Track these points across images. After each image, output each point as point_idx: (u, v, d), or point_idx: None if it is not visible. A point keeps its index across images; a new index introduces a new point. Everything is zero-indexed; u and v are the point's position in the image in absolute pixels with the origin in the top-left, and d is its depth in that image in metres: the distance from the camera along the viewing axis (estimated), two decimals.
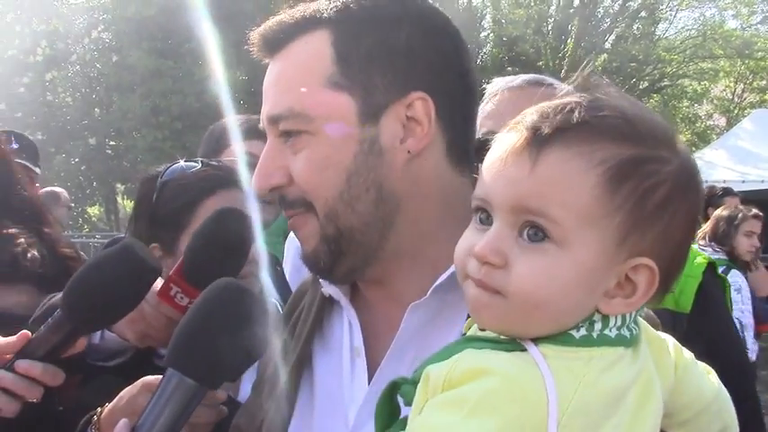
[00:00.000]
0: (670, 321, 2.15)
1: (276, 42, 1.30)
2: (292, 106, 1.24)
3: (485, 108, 2.21)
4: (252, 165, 3.09)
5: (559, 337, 0.95)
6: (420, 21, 1.28)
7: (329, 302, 1.42)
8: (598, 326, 0.96)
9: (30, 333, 1.49)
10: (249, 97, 24.58)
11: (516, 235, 0.96)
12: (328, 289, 1.36)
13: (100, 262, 1.47)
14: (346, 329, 1.36)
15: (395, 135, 1.23)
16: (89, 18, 24.82)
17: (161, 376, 1.24)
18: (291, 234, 3.62)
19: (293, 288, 2.07)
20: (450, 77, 1.28)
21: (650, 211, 0.94)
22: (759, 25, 30.84)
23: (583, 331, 0.95)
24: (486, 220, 1.00)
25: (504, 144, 0.98)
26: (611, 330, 0.97)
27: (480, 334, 1.02)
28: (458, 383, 0.92)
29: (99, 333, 1.75)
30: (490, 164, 1.00)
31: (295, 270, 3.62)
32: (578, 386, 0.90)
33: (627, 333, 0.98)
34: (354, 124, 1.23)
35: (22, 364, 1.46)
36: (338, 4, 1.27)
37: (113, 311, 1.48)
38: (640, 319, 1.05)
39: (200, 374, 1.22)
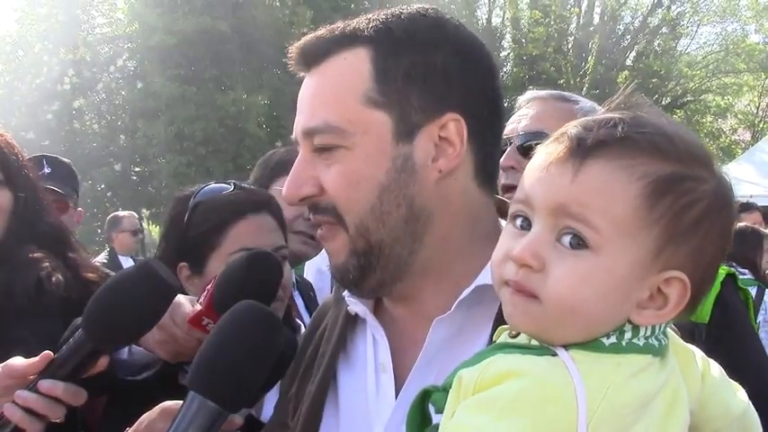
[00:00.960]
0: (689, 332, 2.11)
1: (314, 56, 1.32)
2: (329, 120, 1.26)
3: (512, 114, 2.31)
4: None
5: (590, 344, 0.97)
6: (457, 44, 1.31)
7: (353, 320, 1.44)
8: (628, 335, 0.98)
9: (52, 354, 1.51)
10: (271, 120, 24.84)
11: (555, 240, 0.99)
12: (355, 307, 1.37)
13: (119, 281, 1.50)
14: (370, 346, 1.38)
15: (427, 154, 1.26)
16: (114, 47, 25.25)
17: (180, 402, 1.24)
18: (310, 261, 3.64)
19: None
20: (482, 100, 1.31)
21: (686, 227, 0.97)
22: None
23: (613, 339, 0.98)
24: (526, 226, 1.02)
25: (548, 153, 1.02)
26: (639, 339, 0.99)
27: (511, 341, 1.04)
28: (489, 385, 0.94)
29: (127, 348, 1.77)
30: (533, 170, 1.03)
31: (316, 292, 3.65)
32: (607, 390, 0.92)
33: (655, 342, 1.00)
34: (389, 142, 1.25)
35: (45, 384, 1.47)
36: (378, 23, 1.30)
37: (133, 330, 1.50)
38: (669, 330, 1.07)
39: (223, 397, 1.22)
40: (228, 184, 2.06)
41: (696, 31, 32.06)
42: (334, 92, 1.28)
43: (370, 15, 1.33)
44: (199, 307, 1.65)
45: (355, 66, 1.28)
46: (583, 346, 0.97)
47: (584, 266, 0.97)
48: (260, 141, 21.95)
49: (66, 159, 4.05)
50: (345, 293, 1.39)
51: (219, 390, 1.22)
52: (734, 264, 5.20)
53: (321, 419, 1.38)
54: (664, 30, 31.32)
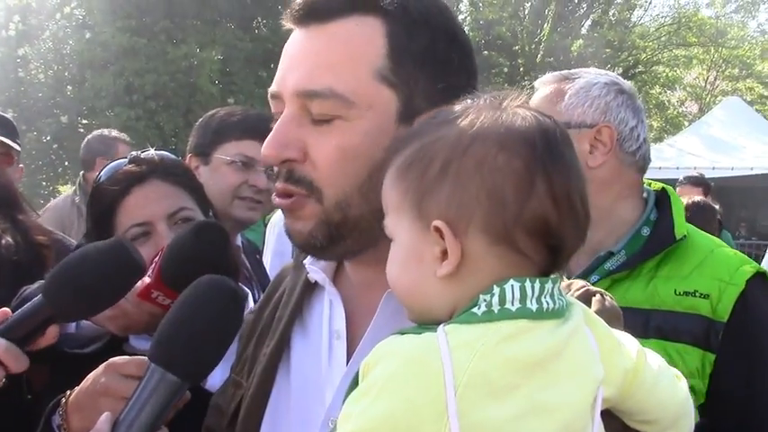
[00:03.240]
0: (703, 330, 1.97)
1: (323, 12, 1.25)
2: (335, 87, 1.21)
3: None
4: (244, 165, 3.04)
5: (463, 317, 1.02)
6: (454, 31, 1.30)
7: (311, 287, 1.43)
8: (495, 300, 1.02)
9: (10, 311, 1.46)
10: (223, 77, 24.41)
11: None
12: (315, 275, 1.38)
13: (89, 253, 1.47)
14: (326, 313, 1.37)
15: None
16: None
17: (127, 357, 1.25)
18: (272, 221, 3.59)
19: (274, 271, 2.08)
20: (472, 87, 1.30)
21: (431, 181, 1.05)
22: (732, 14, 31.19)
23: (483, 307, 1.02)
24: None
25: None
26: (512, 303, 1.02)
27: (413, 325, 1.10)
28: (372, 368, 1.00)
29: (74, 323, 1.76)
30: None
31: (277, 255, 3.60)
32: (473, 357, 0.96)
33: (533, 305, 1.03)
34: (392, 121, 1.23)
35: None
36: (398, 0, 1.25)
37: (95, 304, 1.49)
38: (593, 318, 1.12)
39: (185, 371, 1.23)
40: (127, 157, 2.03)
41: (650, 3, 32.44)
42: (345, 58, 1.22)
43: None
44: (147, 280, 1.64)
45: (369, 36, 1.23)
46: (458, 319, 1.02)
47: (390, 254, 1.11)
48: (212, 97, 21.55)
49: (7, 112, 3.96)
50: (306, 261, 1.38)
51: (181, 363, 1.23)
52: None
53: (274, 382, 1.39)
54: (619, 0, 31.59)
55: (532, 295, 1.03)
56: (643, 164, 2.20)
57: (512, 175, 1.02)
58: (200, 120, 3.15)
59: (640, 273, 2.07)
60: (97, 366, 1.54)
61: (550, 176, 1.03)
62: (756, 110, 20.45)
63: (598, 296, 1.25)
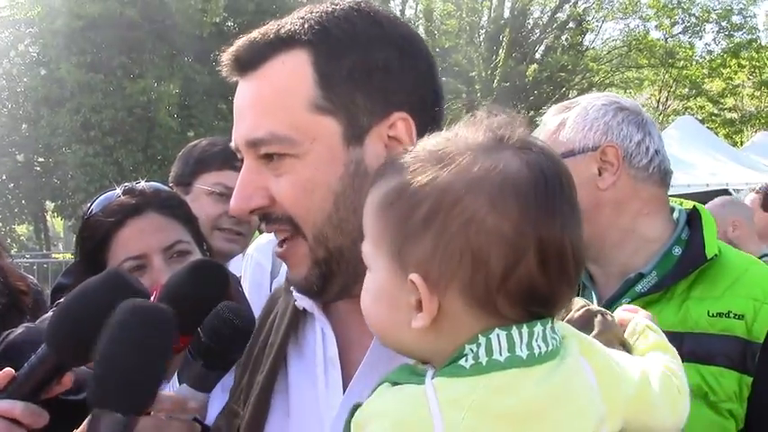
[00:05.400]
0: (739, 352, 1.89)
1: (250, 61, 1.27)
2: (274, 130, 1.23)
3: None
4: (224, 195, 3.00)
5: (452, 369, 0.97)
6: (395, 39, 1.29)
7: (302, 312, 1.41)
8: (482, 351, 0.97)
9: (14, 371, 1.39)
10: (182, 110, 24.29)
11: None
12: (302, 302, 1.36)
13: (87, 290, 1.39)
14: (319, 339, 1.36)
15: (378, 155, 1.24)
16: (15, 32, 24.15)
17: None
18: (249, 251, 3.56)
19: (254, 305, 2.04)
20: (427, 95, 1.30)
21: (414, 228, 0.99)
22: (680, 35, 32.05)
23: (470, 360, 0.97)
24: None
25: None
26: (500, 353, 0.97)
27: (407, 362, 1.06)
28: (362, 429, 0.99)
29: None
30: None
31: (254, 287, 3.56)
32: (465, 414, 0.92)
33: (524, 352, 0.98)
34: (340, 147, 1.23)
35: (2, 405, 1.34)
36: (314, 24, 1.26)
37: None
38: (592, 348, 1.06)
39: (124, 405, 1.19)
40: (119, 188, 1.99)
41: (601, 27, 33.23)
42: (277, 99, 1.24)
43: (302, 14, 1.29)
44: None
45: (296, 71, 1.24)
46: (446, 371, 0.98)
47: (365, 284, 1.07)
48: (171, 131, 21.46)
49: None
50: (292, 288, 1.36)
51: (118, 399, 1.18)
52: None
53: (269, 408, 1.38)
54: (571, 25, 32.30)
55: (521, 342, 0.98)
56: (661, 176, 2.12)
57: (500, 240, 0.96)
58: (183, 150, 3.15)
59: (673, 294, 1.98)
60: (87, 413, 1.49)
61: (542, 240, 0.97)
62: (708, 127, 20.96)
63: (599, 317, 1.20)
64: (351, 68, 1.24)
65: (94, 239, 1.91)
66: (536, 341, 0.98)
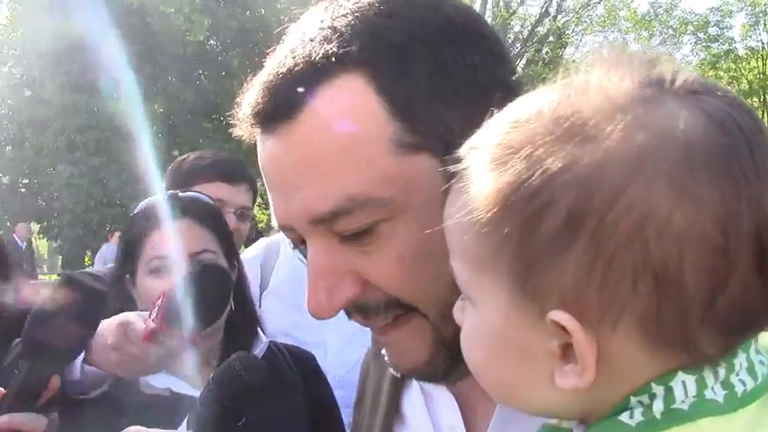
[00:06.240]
0: None
1: (280, 110, 0.90)
2: (351, 194, 0.87)
3: None
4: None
5: (611, 428, 0.68)
6: (464, 24, 0.94)
7: (400, 381, 1.15)
8: (658, 404, 0.66)
9: (2, 389, 1.49)
10: (167, 129, 24.34)
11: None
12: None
13: (48, 298, 1.54)
14: (420, 406, 1.11)
15: None
16: None
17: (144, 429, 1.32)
18: (244, 256, 3.57)
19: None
20: (507, 75, 0.95)
21: (550, 240, 0.65)
22: (659, 47, 32.54)
23: (638, 415, 0.67)
24: None
25: None
26: (684, 402, 0.66)
27: (551, 422, 0.79)
28: None
29: (79, 368, 1.78)
30: None
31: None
32: None
33: (725, 392, 0.67)
34: (444, 185, 0.82)
35: (3, 420, 1.43)
36: (359, 33, 0.89)
37: (75, 343, 1.57)
38: None
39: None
40: (165, 193, 2.13)
41: (581, 41, 33.71)
42: (345, 151, 0.87)
43: (325, 23, 0.91)
44: (152, 324, 1.69)
45: (356, 105, 0.87)
46: (600, 428, 0.69)
47: (467, 324, 0.77)
48: (156, 150, 21.49)
49: None
50: (406, 375, 1.06)
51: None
52: None
53: None
54: (551, 39, 32.78)
55: (715, 380, 0.67)
56: None
57: (700, 245, 0.62)
58: (171, 165, 3.18)
59: None
60: (102, 410, 1.61)
61: (761, 229, 0.63)
62: None
63: None
64: (427, 78, 0.89)
65: (132, 236, 2.05)
66: (736, 375, 0.68)
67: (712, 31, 30.78)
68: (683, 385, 0.66)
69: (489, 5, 30.84)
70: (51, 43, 21.55)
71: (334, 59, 0.87)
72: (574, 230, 0.64)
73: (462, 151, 0.74)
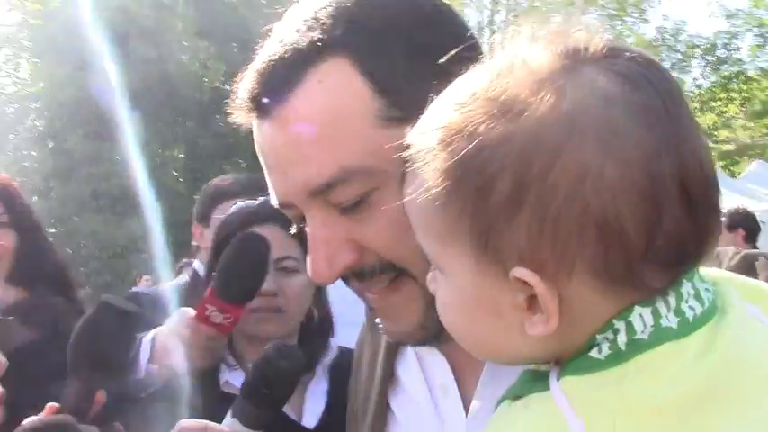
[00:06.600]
0: None
1: (273, 96, 1.01)
2: (344, 165, 0.97)
3: None
4: None
5: (579, 363, 0.77)
6: (435, 13, 1.06)
7: (394, 349, 1.24)
8: (622, 337, 0.75)
9: (56, 405, 1.63)
10: (188, 174, 24.72)
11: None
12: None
13: (86, 323, 1.78)
14: (415, 369, 1.19)
15: None
16: (20, 107, 24.81)
17: (196, 421, 1.44)
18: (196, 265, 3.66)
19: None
20: (475, 58, 0.96)
21: (501, 207, 0.74)
22: (669, 71, 32.65)
23: (606, 349, 0.75)
24: None
25: None
26: (643, 332, 0.74)
27: (529, 367, 0.86)
28: None
29: (144, 367, 1.90)
30: None
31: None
32: (615, 418, 0.71)
33: (677, 318, 0.76)
34: None
35: None
36: (338, 22, 1.00)
37: (114, 360, 1.76)
38: (759, 291, 0.85)
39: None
40: (259, 198, 2.26)
41: None
42: (332, 128, 0.98)
43: (304, 17, 1.03)
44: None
45: (342, 85, 0.98)
46: (572, 367, 0.77)
47: (440, 292, 0.86)
48: (179, 195, 21.87)
49: None
50: (400, 341, 1.17)
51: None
52: None
53: None
54: None
55: (668, 310, 0.76)
56: None
57: (632, 193, 0.71)
58: (201, 192, 3.57)
59: None
60: (157, 407, 1.78)
61: (683, 172, 0.72)
62: None
63: (762, 259, 0.80)
64: (404, 58, 1.00)
65: (222, 236, 2.19)
66: (686, 302, 0.77)
67: (720, 53, 30.87)
68: (641, 318, 0.74)
69: None
70: (71, 94, 22.10)
71: (319, 44, 0.99)
72: (520, 195, 0.73)
73: (411, 137, 0.84)
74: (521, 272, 0.74)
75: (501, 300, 0.78)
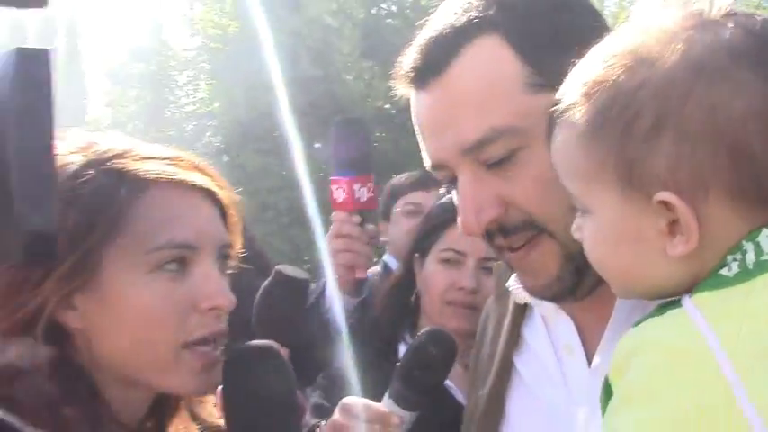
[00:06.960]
0: None
1: (433, 67, 1.16)
2: (496, 125, 1.11)
3: None
4: (415, 213, 3.69)
5: (710, 282, 0.86)
6: None
7: (521, 311, 1.35)
8: (750, 256, 0.84)
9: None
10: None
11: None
12: (523, 295, 1.28)
13: (264, 291, 2.26)
14: (542, 331, 1.30)
15: None
16: (198, 125, 26.53)
17: (358, 399, 1.46)
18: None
19: None
20: (604, 34, 1.09)
21: (643, 141, 0.87)
22: None
23: (735, 268, 0.84)
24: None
25: None
26: None
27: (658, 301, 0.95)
28: (624, 371, 0.87)
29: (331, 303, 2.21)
30: None
31: None
32: (741, 326, 0.79)
33: None
34: None
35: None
36: (494, 4, 1.17)
37: (292, 326, 2.12)
38: None
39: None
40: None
41: None
42: (485, 93, 1.13)
43: (461, 2, 1.19)
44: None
45: (495, 56, 1.14)
46: (704, 286, 0.86)
47: (589, 230, 0.95)
48: None
49: None
50: (510, 283, 1.30)
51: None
52: None
53: (503, 414, 1.33)
54: None
55: None
56: None
57: (757, 119, 0.83)
58: (381, 194, 3.82)
59: None
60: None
61: None
62: None
63: None
64: (546, 33, 1.15)
65: (433, 223, 2.37)
66: None
67: None
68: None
69: None
70: (245, 113, 23.30)
71: (475, 21, 1.14)
72: (660, 129, 0.84)
73: (559, 93, 0.97)
74: (663, 195, 0.85)
75: (644, 226, 0.87)
